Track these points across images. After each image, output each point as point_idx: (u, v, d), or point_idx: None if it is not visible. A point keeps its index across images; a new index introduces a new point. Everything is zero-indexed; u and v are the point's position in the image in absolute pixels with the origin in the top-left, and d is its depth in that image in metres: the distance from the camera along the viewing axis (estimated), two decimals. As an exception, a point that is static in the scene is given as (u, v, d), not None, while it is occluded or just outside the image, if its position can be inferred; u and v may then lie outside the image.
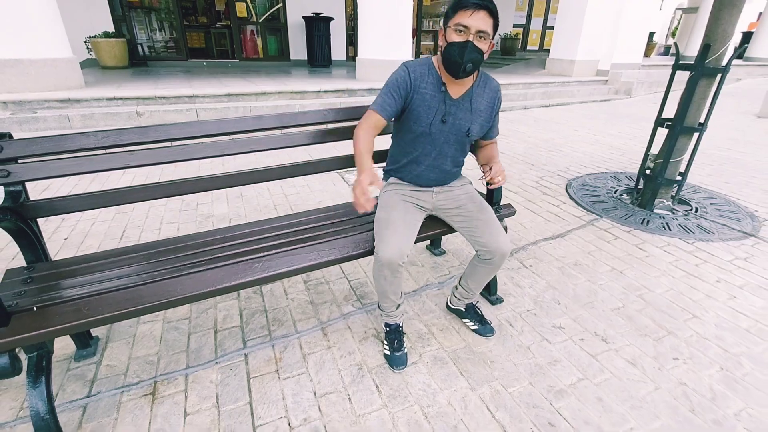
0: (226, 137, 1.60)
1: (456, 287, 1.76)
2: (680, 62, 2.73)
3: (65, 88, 4.91)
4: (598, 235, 2.62)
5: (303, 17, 9.55)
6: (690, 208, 3.04)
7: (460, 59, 1.30)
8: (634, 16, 8.73)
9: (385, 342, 1.59)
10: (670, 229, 2.69)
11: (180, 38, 9.26)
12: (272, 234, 1.64)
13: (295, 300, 1.93)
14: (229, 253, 1.48)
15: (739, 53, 2.45)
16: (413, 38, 12.06)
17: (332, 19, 9.55)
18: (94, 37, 7.54)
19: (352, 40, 10.68)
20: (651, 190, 2.98)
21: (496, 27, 1.32)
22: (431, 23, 12.51)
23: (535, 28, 14.35)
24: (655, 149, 3.02)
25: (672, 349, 1.66)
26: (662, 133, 2.95)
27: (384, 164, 1.76)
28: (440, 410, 1.36)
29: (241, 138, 1.64)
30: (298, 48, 10.18)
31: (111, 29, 8.08)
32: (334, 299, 1.95)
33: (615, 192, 3.31)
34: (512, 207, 1.85)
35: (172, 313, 1.81)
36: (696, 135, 2.84)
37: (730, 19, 2.53)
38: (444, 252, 2.36)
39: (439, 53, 1.41)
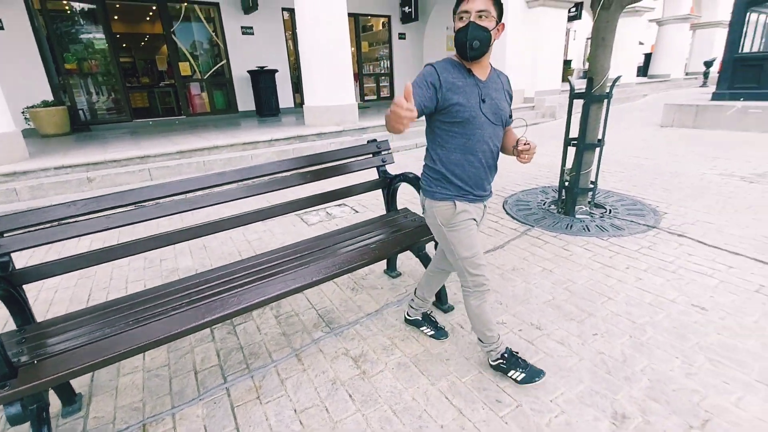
0: (194, 193, 1.82)
1: (413, 299, 2.02)
2: (574, 93, 3.30)
3: (10, 161, 4.84)
4: (531, 242, 3.01)
5: (248, 71, 9.95)
6: (605, 210, 3.55)
7: (465, 38, 1.38)
8: (548, 49, 9.95)
9: (514, 368, 1.65)
10: (589, 230, 3.14)
11: (123, 100, 9.30)
12: (242, 273, 1.84)
13: (268, 334, 2.10)
14: (204, 294, 1.66)
15: (616, 80, 3.00)
16: (356, 82, 12.82)
17: (277, 71, 10.04)
18: (33, 107, 7.45)
19: (298, 87, 11.18)
20: (571, 200, 3.46)
21: (499, 7, 1.40)
22: (371, 67, 13.38)
23: (466, 65, 15.73)
24: (569, 164, 3.54)
25: (592, 327, 2.00)
26: (573, 150, 3.48)
27: (433, 192, 1.58)
28: (406, 406, 1.58)
29: (206, 193, 1.86)
30: (245, 100, 10.50)
31: (49, 97, 8.01)
32: (304, 328, 2.13)
33: (544, 204, 3.78)
34: (449, 226, 2.17)
35: (150, 361, 1.92)
36: (597, 149, 3.38)
37: (605, 56, 3.14)
38: (400, 274, 2.63)
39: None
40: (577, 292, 2.31)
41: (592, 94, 3.18)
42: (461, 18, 1.40)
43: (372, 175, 2.53)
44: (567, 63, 17.23)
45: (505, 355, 1.68)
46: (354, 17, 12.27)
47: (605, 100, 3.22)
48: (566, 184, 3.51)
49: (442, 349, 1.90)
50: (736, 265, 2.51)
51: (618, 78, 3.17)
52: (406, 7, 12.62)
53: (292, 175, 2.17)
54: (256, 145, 6.09)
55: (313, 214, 3.84)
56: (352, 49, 12.59)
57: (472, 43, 1.38)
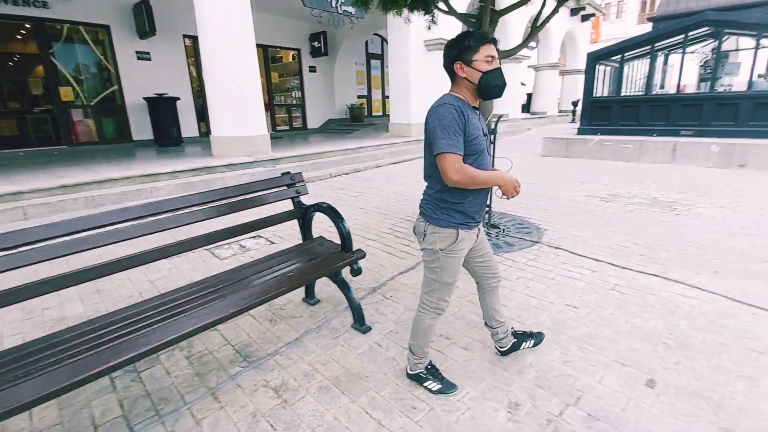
0: (92, 231, 1.70)
1: (493, 330, 2.00)
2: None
3: None
4: (439, 261, 3.30)
5: (145, 98, 9.29)
6: (500, 229, 4.04)
7: (503, 82, 1.55)
8: (421, 90, 10.89)
9: (432, 379, 1.80)
10: (498, 248, 3.55)
11: (-16, 127, 7.97)
12: (150, 312, 1.75)
13: (179, 376, 1.99)
14: (107, 338, 1.55)
15: (500, 117, 3.58)
16: (267, 112, 12.71)
17: (178, 98, 9.54)
18: None
19: (203, 116, 10.70)
20: (470, 221, 3.88)
21: None
22: (283, 98, 13.41)
23: (377, 98, 16.65)
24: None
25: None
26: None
27: (439, 219, 1.65)
28: (329, 426, 1.63)
29: (103, 231, 1.75)
30: (141, 128, 9.72)
31: None
32: (220, 365, 2.06)
33: (449, 226, 4.15)
34: (362, 251, 2.33)
35: (39, 421, 1.68)
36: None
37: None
38: (319, 301, 2.69)
39: (465, 83, 1.57)
40: (478, 302, 2.60)
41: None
42: (488, 61, 1.52)
43: (286, 206, 2.59)
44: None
45: (428, 367, 1.85)
46: (263, 48, 12.31)
47: (492, 135, 3.74)
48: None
49: (361, 368, 1.99)
50: (597, 269, 3.06)
51: (501, 116, 3.72)
52: (316, 42, 13.06)
53: (204, 209, 2.14)
54: (157, 178, 5.68)
55: (225, 248, 3.71)
56: (262, 79, 12.55)
57: (504, 84, 1.57)
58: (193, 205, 2.10)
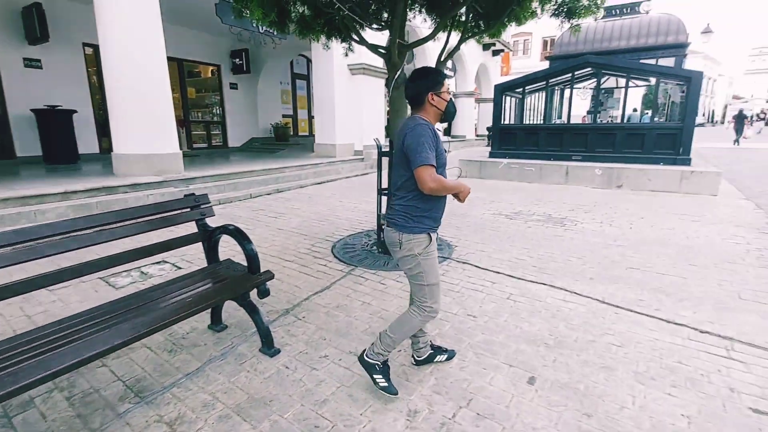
0: (-59, 262, 1.50)
1: (415, 339, 2.13)
2: (381, 151, 3.96)
3: None
4: (354, 280, 3.37)
5: (32, 110, 8.26)
6: (414, 247, 4.24)
7: (455, 108, 1.97)
8: (371, 110, 11.40)
9: (382, 376, 1.90)
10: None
11: None
12: (21, 349, 1.56)
13: (57, 420, 1.78)
14: (-45, 385, 1.35)
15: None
16: (183, 128, 12.01)
17: (75, 111, 8.64)
18: None
19: (105, 131, 9.78)
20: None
21: None
22: (199, 114, 12.78)
23: (303, 118, 16.61)
24: (384, 211, 4.14)
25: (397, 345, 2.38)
26: (385, 198, 4.10)
27: (412, 227, 1.83)
28: (226, 456, 1.58)
29: (-38, 260, 1.55)
30: (27, 144, 8.58)
31: None
32: (107, 404, 1.89)
33: (367, 246, 4.27)
34: (270, 272, 2.32)
35: None
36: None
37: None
38: (226, 326, 2.59)
39: (432, 109, 1.87)
40: (389, 318, 2.71)
41: (393, 153, 3.89)
42: (448, 92, 1.89)
43: (194, 228, 2.50)
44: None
45: (384, 363, 1.95)
46: (178, 62, 11.72)
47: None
48: (382, 226, 4.08)
49: (266, 392, 1.96)
50: (497, 281, 3.36)
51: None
52: (237, 59, 12.76)
53: (92, 233, 1.98)
54: (44, 199, 5.06)
55: (124, 276, 3.41)
56: (177, 94, 11.89)
57: (456, 110, 1.98)
58: (79, 229, 1.94)
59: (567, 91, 11.20)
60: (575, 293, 3.09)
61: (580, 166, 8.05)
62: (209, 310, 2.56)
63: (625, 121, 8.97)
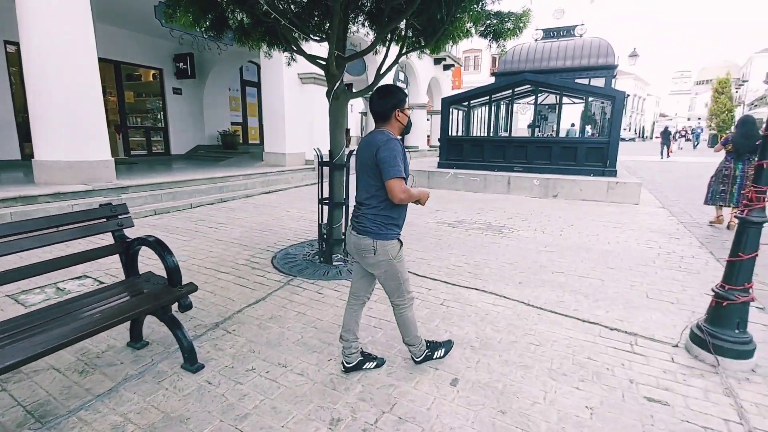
0: None
1: (345, 348, 2.18)
2: (321, 161, 3.97)
3: None
4: (292, 291, 3.33)
5: (-58, 111, 7.44)
6: (356, 256, 4.27)
7: (411, 123, 2.15)
8: (322, 119, 11.32)
9: (436, 350, 2.33)
10: (341, 275, 3.72)
11: None
12: None
13: (-68, 456, 1.60)
14: None
15: (351, 152, 3.87)
16: (119, 135, 11.31)
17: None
18: None
19: (28, 135, 8.98)
20: (329, 250, 4.03)
21: None
22: (139, 119, 12.11)
23: (253, 126, 16.21)
24: (326, 220, 4.14)
25: (329, 354, 2.38)
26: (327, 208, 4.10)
27: (385, 234, 2.02)
28: (131, 480, 1.50)
29: None
30: (-64, 148, 7.72)
31: None
32: (3, 430, 1.73)
33: (309, 255, 4.24)
34: (193, 285, 2.25)
35: None
36: (344, 207, 4.12)
37: (341, 134, 3.96)
38: (147, 343, 2.46)
39: (397, 124, 2.06)
40: (323, 328, 2.71)
41: (333, 163, 3.92)
42: (410, 108, 2.09)
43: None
44: (347, 131, 20.09)
45: (427, 344, 2.31)
46: (115, 64, 11.09)
47: (345, 168, 4.02)
48: (324, 236, 4.08)
49: (184, 410, 1.88)
50: (433, 287, 3.46)
51: (353, 151, 4.02)
52: (181, 64, 12.29)
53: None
54: (-51, 209, 4.55)
55: (36, 292, 3.14)
56: (113, 98, 11.22)
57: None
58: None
59: (513, 106, 11.87)
60: (504, 297, 3.25)
61: (520, 177, 8.52)
62: (128, 327, 2.43)
63: (565, 135, 9.67)
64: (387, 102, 2.02)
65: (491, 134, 9.91)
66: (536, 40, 15.45)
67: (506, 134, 11.20)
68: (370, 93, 2.19)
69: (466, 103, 9.79)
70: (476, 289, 3.40)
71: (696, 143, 29.78)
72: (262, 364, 2.28)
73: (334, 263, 4.00)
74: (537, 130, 9.47)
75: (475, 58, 53.27)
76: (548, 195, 8.18)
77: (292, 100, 10.50)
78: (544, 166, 8.80)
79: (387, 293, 2.17)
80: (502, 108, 13.58)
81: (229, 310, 2.96)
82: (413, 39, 4.47)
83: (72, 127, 5.87)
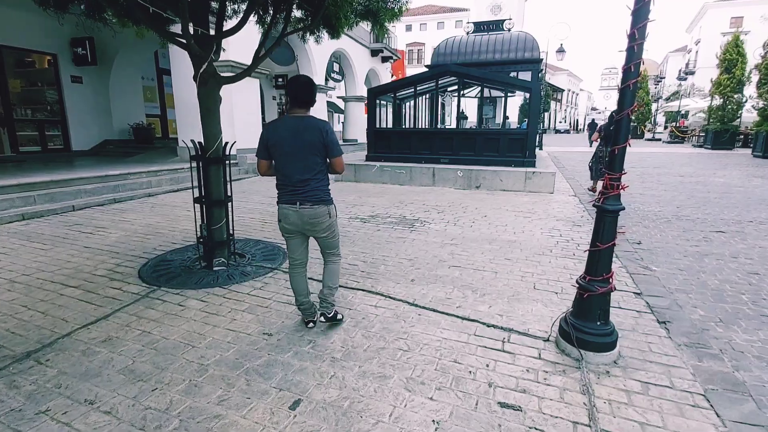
0: None
1: (329, 300, 2.55)
2: (194, 155, 3.52)
3: None
4: (147, 305, 2.88)
5: None
6: (246, 257, 3.88)
7: None
8: (244, 110, 10.65)
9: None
10: (218, 281, 3.32)
11: None
12: None
13: None
14: None
15: (226, 145, 3.47)
16: (3, 128, 9.86)
17: None
18: None
19: None
20: (209, 254, 3.60)
21: None
22: (29, 111, 10.63)
23: (173, 118, 14.95)
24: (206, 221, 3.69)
25: (156, 382, 2.00)
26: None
27: (331, 199, 2.48)
28: None
29: None
30: None
31: None
32: None
33: (189, 261, 3.77)
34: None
35: None
36: (229, 204, 3.70)
37: (213, 123, 3.53)
38: None
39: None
40: (164, 349, 2.31)
41: (207, 157, 3.49)
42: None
43: None
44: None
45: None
46: (-6, 48, 9.61)
47: (222, 162, 3.60)
48: (201, 239, 3.63)
49: None
50: (315, 290, 3.16)
51: (227, 143, 3.61)
52: (79, 49, 10.94)
53: None
54: None
55: None
56: (-5, 86, 9.74)
57: None
58: None
59: (438, 97, 11.88)
60: (389, 297, 3.03)
61: (445, 169, 8.48)
62: None
63: (506, 127, 9.79)
64: (314, 91, 2.36)
65: (417, 126, 9.81)
66: (468, 33, 15.64)
67: (448, 125, 11.19)
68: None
69: (392, 94, 9.59)
70: (362, 290, 3.16)
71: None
72: (62, 402, 1.85)
73: (215, 268, 3.58)
74: (459, 122, 9.49)
75: (418, 51, 53.86)
76: (471, 186, 8.22)
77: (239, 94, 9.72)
78: (469, 158, 8.84)
79: (327, 250, 2.56)
80: (429, 100, 13.63)
81: (54, 334, 2.46)
82: (297, 19, 4.10)
83: None
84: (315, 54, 14.26)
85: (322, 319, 2.57)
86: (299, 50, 13.86)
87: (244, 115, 10.62)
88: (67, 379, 2.03)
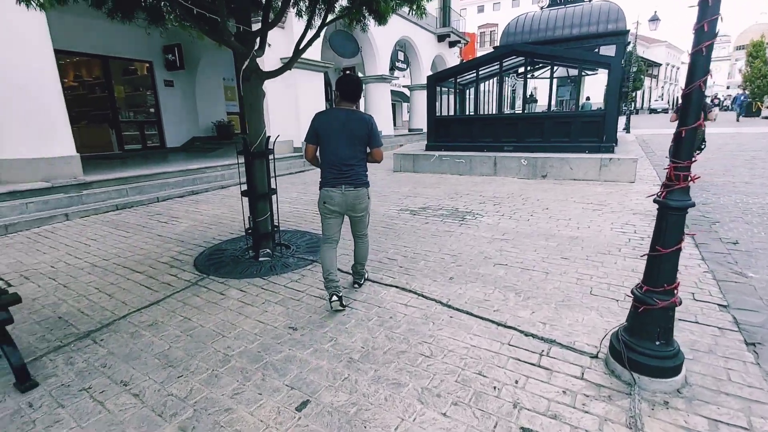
0: None
1: (361, 277, 3.08)
2: (239, 150, 3.66)
3: None
4: (194, 292, 3.08)
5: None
6: (290, 249, 3.99)
7: None
8: (309, 105, 11.03)
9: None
10: (261, 272, 3.44)
11: None
12: None
13: None
14: None
15: (269, 139, 3.54)
16: (113, 130, 11.37)
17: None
18: None
19: None
20: (255, 245, 3.75)
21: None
22: (132, 113, 12.12)
23: (250, 115, 16.03)
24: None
25: (184, 369, 2.11)
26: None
27: (369, 183, 2.81)
28: None
29: None
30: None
31: None
32: None
33: (240, 250, 3.96)
34: (17, 295, 2.01)
35: None
36: (274, 197, 3.82)
37: (257, 120, 3.63)
38: (-4, 356, 2.27)
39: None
40: (198, 337, 2.44)
41: (252, 152, 3.61)
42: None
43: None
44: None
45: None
46: (104, 60, 11.07)
47: (270, 156, 3.71)
48: (249, 231, 3.79)
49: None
50: (347, 285, 3.13)
51: (269, 137, 3.69)
52: (170, 55, 12.15)
53: None
54: None
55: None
56: (104, 94, 11.26)
57: None
58: None
59: (504, 79, 11.11)
60: (422, 296, 2.88)
61: (508, 157, 7.93)
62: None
63: (580, 109, 8.92)
64: (361, 88, 2.69)
65: (479, 113, 9.28)
66: (542, 8, 14.38)
67: (516, 110, 10.51)
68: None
69: (453, 80, 9.18)
70: (395, 287, 3.05)
71: (740, 112, 26.42)
72: (102, 381, 2.04)
73: (261, 258, 3.72)
74: (524, 105, 8.77)
75: (491, 33, 51.15)
76: (536, 175, 7.59)
77: (275, 86, 10.18)
78: (535, 144, 8.17)
79: (359, 231, 2.90)
80: (497, 84, 12.81)
81: (114, 316, 2.74)
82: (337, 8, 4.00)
83: (29, 125, 5.78)
84: (378, 44, 14.22)
85: (356, 286, 3.06)
86: (363, 42, 13.92)
87: (309, 107, 10.95)
88: (113, 359, 2.24)
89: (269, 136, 3.73)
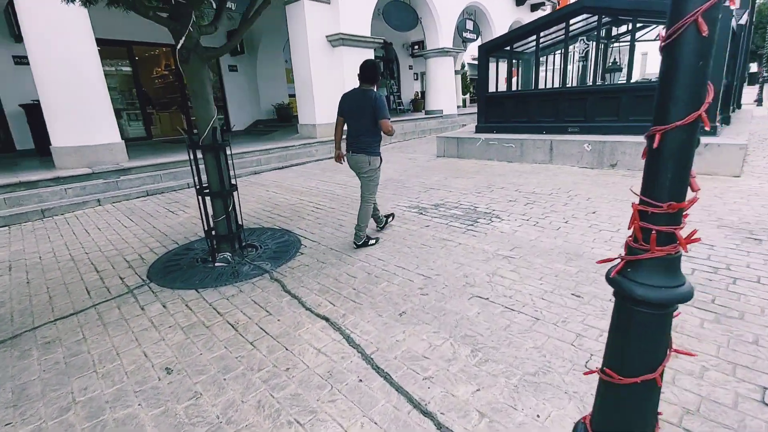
0: None
1: (364, 232, 3.51)
2: (190, 142, 3.28)
3: None
4: (121, 302, 2.82)
5: (21, 105, 8.72)
6: (257, 250, 3.58)
7: None
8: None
9: (370, 240, 3.59)
10: (204, 281, 3.07)
11: None
12: None
13: None
14: None
15: (225, 128, 3.11)
16: (183, 115, 12.15)
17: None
18: None
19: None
20: (213, 248, 3.40)
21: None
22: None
23: (313, 96, 16.05)
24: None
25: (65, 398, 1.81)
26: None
27: (377, 152, 3.43)
28: None
29: None
30: (22, 138, 9.18)
31: None
32: None
33: (204, 253, 3.65)
34: None
35: None
36: (236, 194, 3.40)
37: (203, 106, 3.20)
38: None
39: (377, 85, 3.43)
40: (71, 367, 2.14)
41: (201, 144, 3.20)
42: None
43: None
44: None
45: (368, 236, 3.55)
46: (171, 48, 11.75)
47: (226, 147, 3.28)
48: (213, 232, 3.44)
49: None
50: (276, 311, 2.59)
51: (218, 128, 3.23)
52: (231, 40, 12.45)
53: None
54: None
55: None
56: (172, 79, 12.01)
57: None
58: None
59: (568, 45, 9.18)
60: (347, 339, 2.22)
61: (567, 141, 6.52)
62: None
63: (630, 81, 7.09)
64: (377, 72, 3.31)
65: (535, 86, 7.79)
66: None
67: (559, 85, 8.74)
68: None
69: (508, 48, 7.82)
70: (325, 320, 2.43)
71: None
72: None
73: (217, 264, 3.36)
74: (595, 76, 7.03)
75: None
76: (603, 164, 6.12)
77: (321, 65, 9.82)
78: (608, 124, 6.59)
79: (362, 191, 3.47)
80: (573, 51, 10.74)
81: (28, 326, 2.58)
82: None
83: (74, 114, 6.20)
84: (441, 13, 12.93)
85: (354, 246, 3.50)
86: (423, 11, 12.77)
87: (324, 92, 10.21)
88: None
89: (216, 127, 3.28)
